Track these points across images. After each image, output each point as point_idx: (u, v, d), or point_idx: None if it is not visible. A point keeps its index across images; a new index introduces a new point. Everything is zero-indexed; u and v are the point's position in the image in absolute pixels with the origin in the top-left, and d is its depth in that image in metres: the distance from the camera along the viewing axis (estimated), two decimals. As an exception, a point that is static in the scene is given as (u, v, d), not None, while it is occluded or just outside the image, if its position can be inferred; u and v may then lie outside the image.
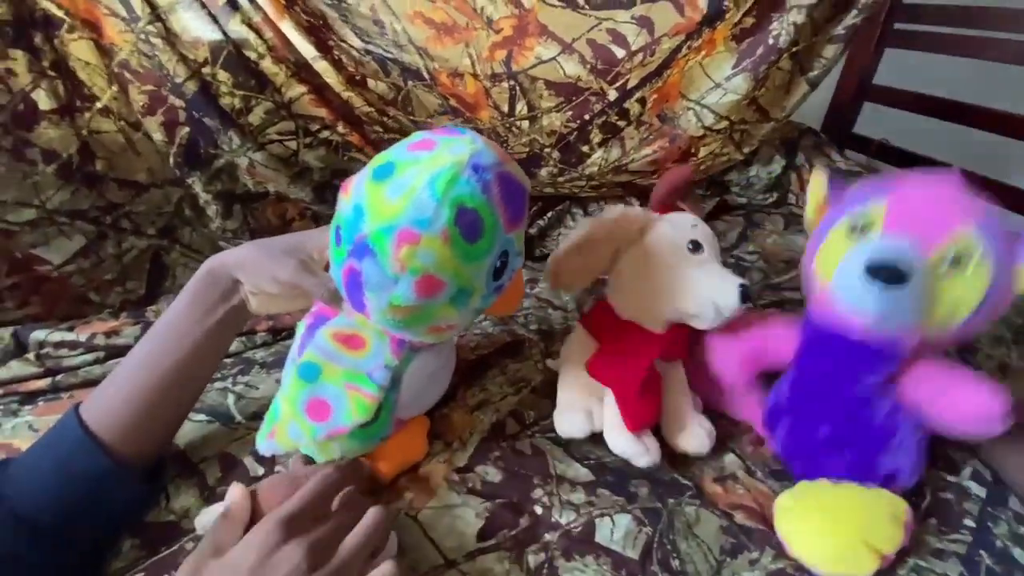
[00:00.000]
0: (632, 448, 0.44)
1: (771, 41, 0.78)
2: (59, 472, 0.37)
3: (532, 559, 0.40)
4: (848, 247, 0.39)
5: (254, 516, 0.33)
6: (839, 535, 0.40)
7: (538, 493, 0.45)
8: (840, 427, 0.44)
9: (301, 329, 0.43)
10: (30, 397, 0.54)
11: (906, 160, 1.06)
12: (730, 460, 0.49)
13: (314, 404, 0.38)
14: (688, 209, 0.90)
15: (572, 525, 0.42)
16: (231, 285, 0.43)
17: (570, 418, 0.46)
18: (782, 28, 0.78)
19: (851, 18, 0.80)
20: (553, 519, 0.42)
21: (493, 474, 0.46)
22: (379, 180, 0.34)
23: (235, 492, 0.34)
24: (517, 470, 0.47)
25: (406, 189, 0.33)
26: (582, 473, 0.46)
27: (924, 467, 0.44)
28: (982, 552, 0.41)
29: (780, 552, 0.41)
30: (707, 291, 0.46)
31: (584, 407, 0.46)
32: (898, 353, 0.40)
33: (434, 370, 0.47)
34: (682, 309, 0.47)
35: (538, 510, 0.43)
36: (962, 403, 0.40)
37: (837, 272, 0.39)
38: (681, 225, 0.50)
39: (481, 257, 0.36)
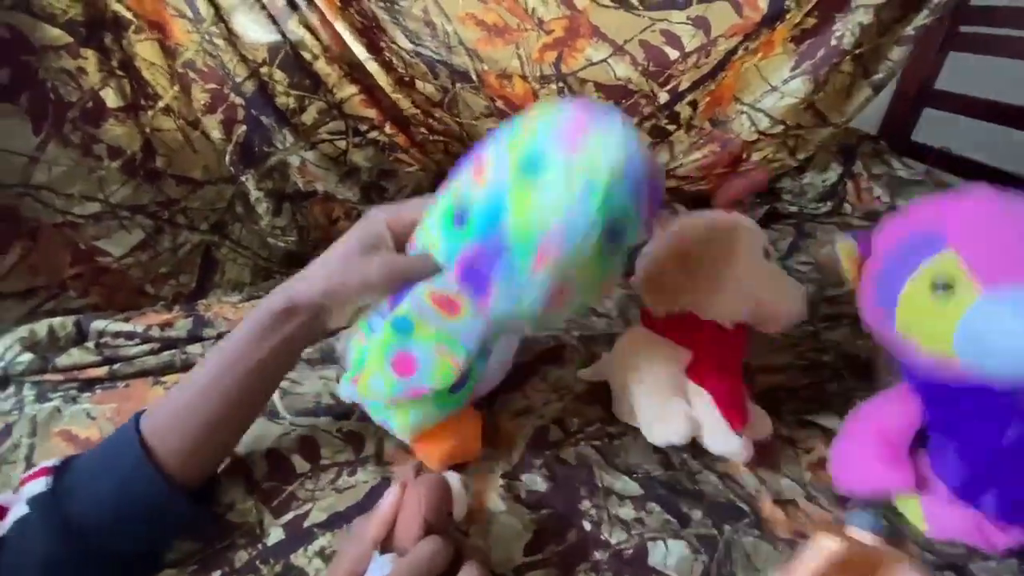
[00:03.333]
0: (738, 447, 0.44)
1: (833, 42, 0.74)
2: (115, 490, 0.37)
3: (582, 580, 0.38)
4: (945, 309, 0.35)
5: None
6: None
7: (585, 505, 0.43)
8: None
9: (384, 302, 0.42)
10: (88, 384, 0.56)
11: (968, 169, 1.00)
12: (787, 484, 0.46)
13: (401, 358, 0.39)
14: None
15: (623, 546, 0.40)
16: (312, 315, 0.41)
17: (670, 426, 0.44)
18: (846, 29, 0.74)
19: (922, 18, 0.76)
20: (603, 536, 0.41)
21: (539, 483, 0.45)
22: (527, 175, 0.31)
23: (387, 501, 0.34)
24: (563, 480, 0.45)
25: (559, 195, 0.31)
26: (631, 487, 0.45)
27: None
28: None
29: None
30: (784, 294, 0.46)
31: (680, 412, 0.45)
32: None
33: (515, 346, 0.47)
34: (762, 312, 0.46)
35: (586, 525, 0.42)
36: None
37: (961, 340, 0.35)
38: (756, 229, 0.49)
39: (614, 267, 0.35)
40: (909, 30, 0.77)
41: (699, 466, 0.47)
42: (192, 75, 0.66)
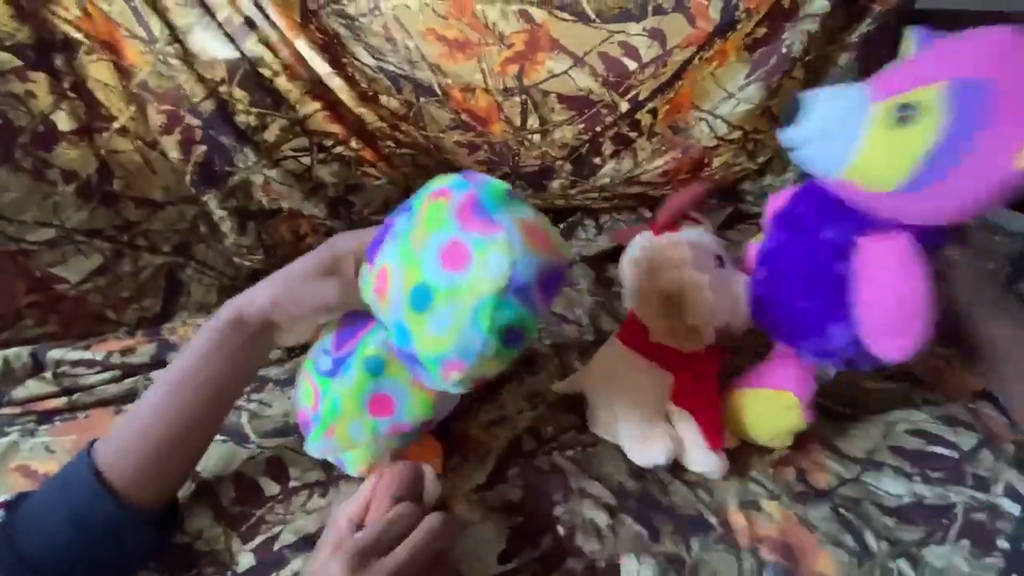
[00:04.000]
0: (717, 465, 0.45)
1: (784, 50, 0.77)
2: (70, 519, 0.36)
3: (557, 589, 0.39)
4: None
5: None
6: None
7: (559, 510, 0.44)
8: (803, 276, 0.44)
9: (331, 330, 0.42)
10: (46, 416, 0.54)
11: None
12: (753, 487, 0.47)
13: (377, 399, 0.39)
14: (700, 219, 0.90)
15: (596, 556, 0.41)
16: (260, 328, 0.40)
17: (655, 449, 0.45)
18: (795, 37, 0.77)
19: (865, 26, 0.80)
20: (576, 543, 0.41)
21: (512, 492, 0.45)
22: (419, 311, 0.33)
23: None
24: (536, 487, 0.46)
25: (450, 326, 0.32)
26: (604, 493, 0.45)
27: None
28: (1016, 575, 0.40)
29: None
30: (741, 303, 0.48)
31: (664, 435, 0.46)
32: (855, 212, 0.40)
33: None
34: (734, 323, 0.48)
35: (560, 531, 0.42)
36: (878, 305, 0.38)
37: None
38: (704, 243, 0.50)
39: (523, 347, 0.36)
40: (854, 37, 0.80)
41: (669, 476, 0.48)
42: (147, 95, 0.65)
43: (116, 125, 0.65)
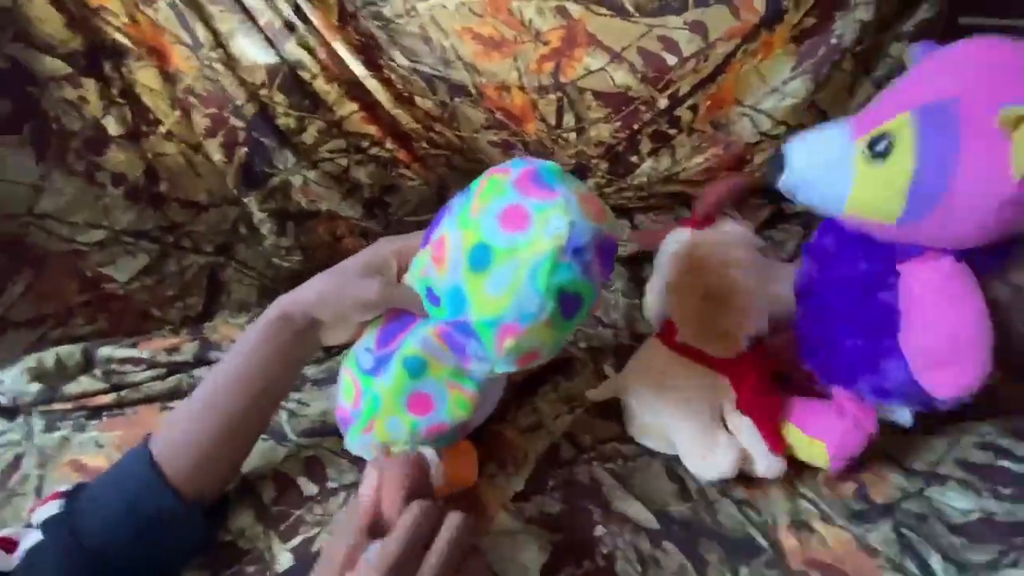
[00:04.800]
0: (780, 468, 0.44)
1: (834, 41, 0.74)
2: (128, 509, 0.37)
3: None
4: None
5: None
6: None
7: (600, 531, 0.42)
8: (846, 311, 0.42)
9: (374, 329, 0.43)
10: (95, 412, 0.56)
11: None
12: (804, 506, 0.45)
13: (416, 398, 0.40)
14: (739, 218, 0.87)
15: None
16: (306, 324, 0.42)
17: (721, 460, 0.44)
18: (846, 27, 0.73)
19: (922, 13, 0.75)
20: (618, 570, 0.40)
21: (551, 505, 0.44)
22: (478, 270, 0.34)
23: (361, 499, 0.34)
24: (576, 502, 0.44)
25: (508, 284, 0.33)
26: (646, 517, 0.43)
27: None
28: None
29: None
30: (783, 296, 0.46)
31: (728, 445, 0.44)
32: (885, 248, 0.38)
33: (503, 385, 0.48)
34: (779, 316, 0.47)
35: (600, 560, 0.40)
36: (924, 336, 0.36)
37: None
38: (745, 237, 0.48)
39: (578, 322, 0.37)
40: (909, 26, 0.76)
41: (716, 494, 0.46)
42: (192, 100, 0.66)
43: (162, 129, 0.67)
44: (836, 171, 0.36)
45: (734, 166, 0.84)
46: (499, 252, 0.34)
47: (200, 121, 0.67)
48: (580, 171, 0.83)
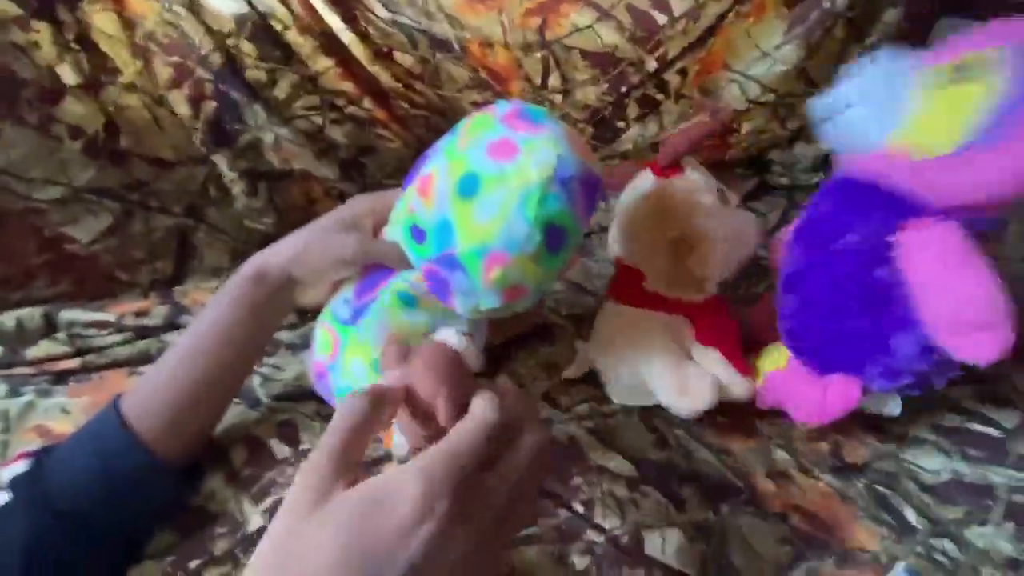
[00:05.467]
0: (750, 390, 0.45)
1: (827, 5, 0.72)
2: (99, 468, 0.36)
3: (578, 560, 0.37)
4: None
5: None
6: None
7: (577, 481, 0.42)
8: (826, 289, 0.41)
9: (351, 284, 0.42)
10: (61, 377, 0.54)
11: None
12: (781, 456, 0.46)
13: None
14: (726, 190, 0.86)
15: (618, 532, 0.39)
16: (282, 283, 0.41)
17: (699, 391, 0.44)
18: (839, -11, 0.71)
19: (915, -22, 0.74)
20: (596, 519, 0.40)
21: (529, 464, 0.44)
22: (466, 197, 0.34)
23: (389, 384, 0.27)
24: (554, 459, 0.44)
25: (496, 211, 0.34)
26: (624, 466, 0.44)
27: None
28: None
29: (841, 561, 0.38)
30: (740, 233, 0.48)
31: (702, 378, 0.44)
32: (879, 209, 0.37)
33: (482, 328, 0.47)
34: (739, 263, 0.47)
35: (579, 506, 0.40)
36: (946, 303, 0.34)
37: None
38: (708, 184, 0.48)
39: (564, 259, 0.38)
40: (903, -10, 0.74)
41: (695, 444, 0.46)
42: (153, 47, 0.62)
43: (123, 79, 0.63)
44: (894, 89, 0.35)
45: (721, 134, 0.82)
46: (488, 180, 0.34)
47: (163, 71, 0.63)
48: (565, 136, 0.81)
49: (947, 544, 0.39)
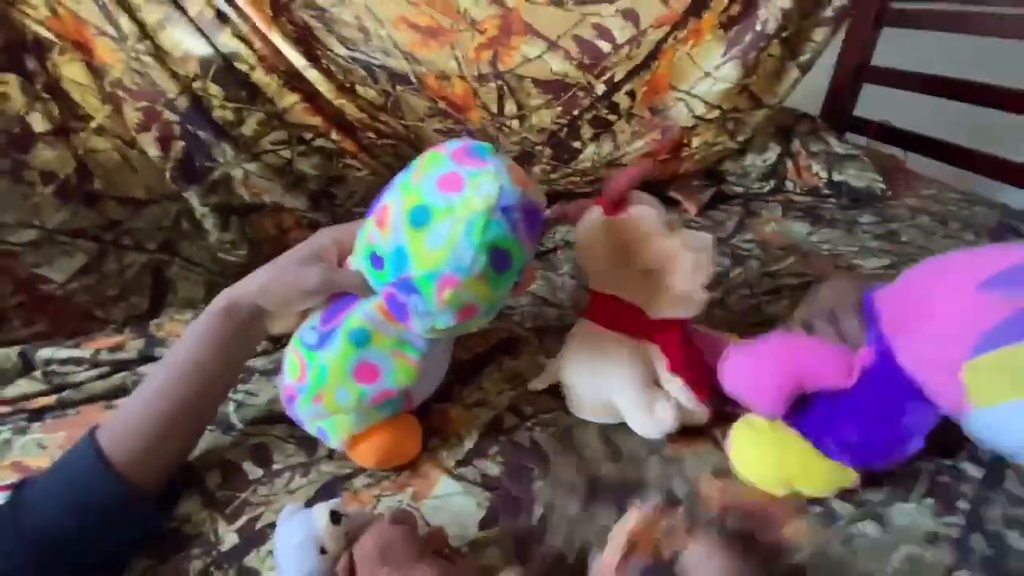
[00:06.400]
0: (706, 415, 0.49)
1: (759, 27, 0.78)
2: (75, 498, 0.37)
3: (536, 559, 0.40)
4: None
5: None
6: (768, 476, 0.44)
7: (538, 485, 0.45)
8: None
9: (319, 311, 0.45)
10: (37, 414, 0.55)
11: (907, 141, 1.05)
12: (724, 458, 0.48)
13: (363, 367, 0.43)
14: (683, 200, 0.89)
15: (565, 551, 0.41)
16: (251, 316, 0.44)
17: (663, 416, 0.47)
18: (769, 14, 0.77)
19: (839, 0, 0.80)
20: (555, 522, 0.42)
21: (492, 468, 0.47)
22: (417, 227, 0.38)
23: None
24: (516, 462, 0.47)
25: (445, 240, 0.37)
26: (579, 482, 0.46)
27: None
28: (976, 535, 0.41)
29: (769, 559, 0.40)
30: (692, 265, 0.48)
31: (666, 405, 0.48)
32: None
33: (445, 351, 0.51)
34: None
35: (538, 510, 0.43)
36: None
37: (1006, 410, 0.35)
38: (658, 212, 0.50)
39: (510, 280, 0.41)
40: (828, 11, 0.80)
41: (645, 453, 0.49)
42: (122, 94, 0.65)
43: (93, 124, 0.66)
44: None
45: (673, 150, 0.87)
46: (437, 211, 0.37)
47: (132, 115, 0.66)
48: (525, 158, 0.85)
49: (869, 526, 0.42)
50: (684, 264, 0.47)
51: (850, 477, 0.43)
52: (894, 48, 1.05)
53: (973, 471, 0.46)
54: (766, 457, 0.45)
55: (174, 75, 0.65)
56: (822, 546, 0.41)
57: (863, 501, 0.44)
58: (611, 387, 0.49)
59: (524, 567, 0.39)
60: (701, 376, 0.49)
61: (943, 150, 1.01)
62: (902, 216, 0.93)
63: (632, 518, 0.36)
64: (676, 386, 0.49)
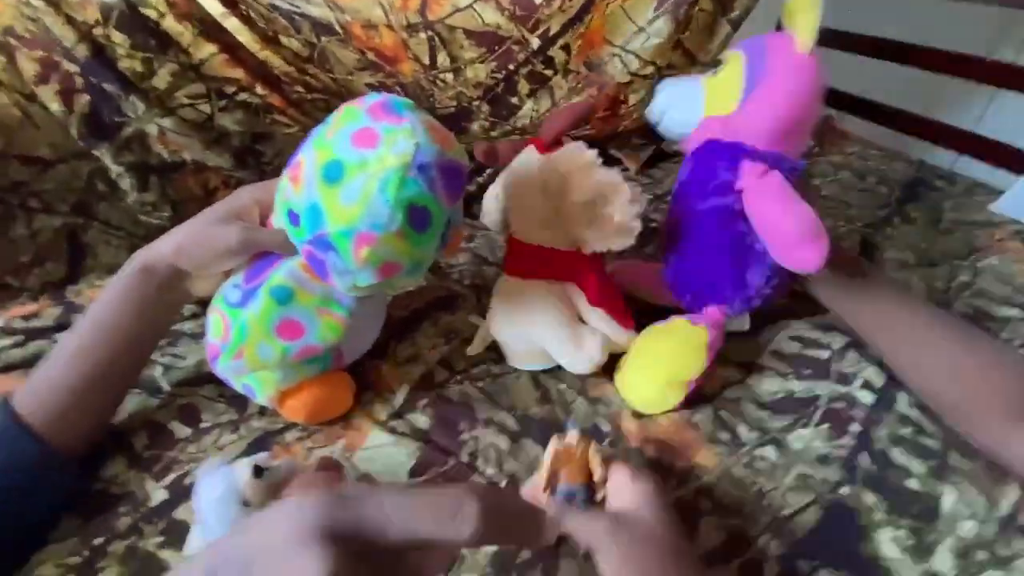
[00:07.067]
0: (632, 339, 0.51)
1: (690, -19, 0.78)
2: None
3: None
4: None
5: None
6: (648, 378, 0.49)
7: (465, 436, 0.47)
8: (698, 241, 0.52)
9: (241, 272, 0.44)
10: (-51, 385, 0.53)
11: (842, 101, 1.09)
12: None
13: (285, 324, 0.42)
14: (624, 158, 0.90)
15: (496, 479, 0.44)
16: (169, 276, 0.42)
17: (590, 349, 0.50)
18: (700, -33, 0.77)
19: (768, -45, 0.80)
20: (479, 466, 0.45)
21: (422, 421, 0.48)
22: (331, 183, 0.37)
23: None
24: (445, 416, 0.49)
25: (359, 195, 0.36)
26: (508, 421, 0.49)
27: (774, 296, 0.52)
28: (863, 454, 0.45)
29: (681, 482, 0.44)
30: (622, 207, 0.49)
31: (591, 337, 0.50)
32: (726, 151, 0.48)
33: (377, 308, 0.51)
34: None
35: (464, 456, 0.45)
36: (781, 226, 0.46)
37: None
38: (585, 154, 0.50)
39: (431, 238, 0.40)
40: (758, -34, 0.81)
41: (573, 395, 0.52)
42: (14, 42, 0.59)
43: (-15, 77, 0.60)
44: (693, 93, 0.50)
45: (610, 106, 0.88)
46: (350, 167, 0.36)
47: (28, 66, 0.60)
48: (463, 115, 0.84)
49: (770, 450, 0.46)
50: (623, 195, 0.48)
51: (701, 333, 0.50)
52: (834, 9, 1.07)
53: (865, 397, 0.50)
54: (642, 376, 0.50)
55: (70, 21, 0.59)
56: (727, 468, 0.45)
57: (766, 429, 0.48)
58: (538, 332, 0.51)
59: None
60: (620, 303, 0.53)
61: (870, 109, 1.05)
62: (825, 172, 0.97)
63: (555, 445, 0.38)
64: (599, 317, 0.51)
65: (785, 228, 0.45)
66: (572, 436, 0.38)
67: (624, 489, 0.36)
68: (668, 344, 0.50)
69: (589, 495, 0.37)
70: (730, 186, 0.48)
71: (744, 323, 0.56)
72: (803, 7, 0.44)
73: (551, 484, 0.37)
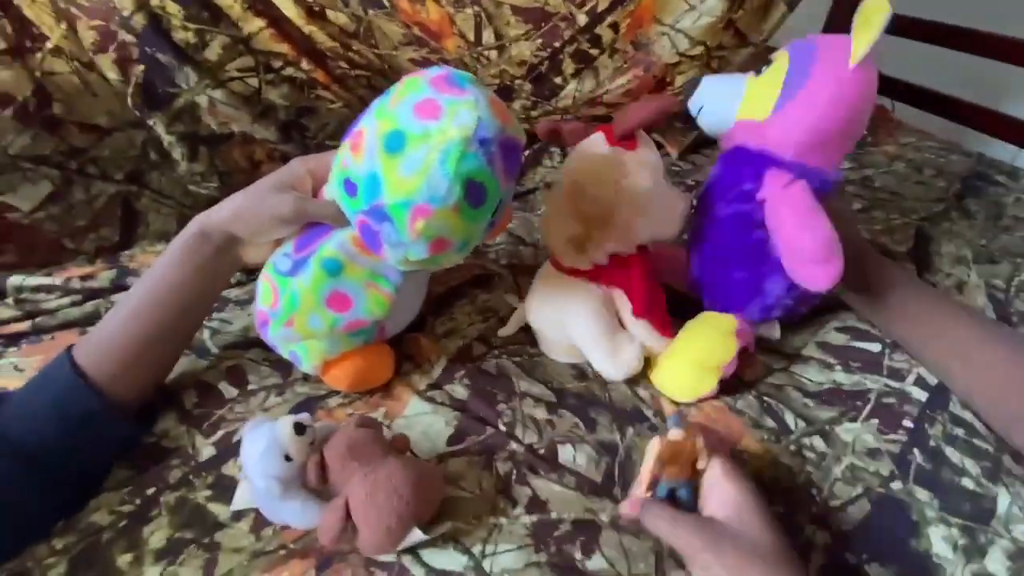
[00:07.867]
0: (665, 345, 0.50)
1: (747, -43, 0.75)
2: (53, 411, 0.39)
3: (501, 466, 0.42)
4: None
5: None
6: (678, 363, 0.49)
7: (502, 407, 0.47)
8: (717, 246, 0.51)
9: (291, 241, 0.45)
10: (12, 340, 0.56)
11: (896, 89, 1.04)
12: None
13: (336, 296, 0.43)
14: (665, 142, 0.88)
15: (536, 445, 0.44)
16: (224, 242, 0.44)
17: (627, 357, 0.49)
18: (759, -58, 0.74)
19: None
20: (517, 434, 0.45)
21: (460, 391, 0.49)
22: (392, 153, 0.37)
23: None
24: (482, 387, 0.49)
25: (420, 167, 0.36)
26: (546, 393, 0.49)
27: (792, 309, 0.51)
28: (915, 450, 0.44)
29: None
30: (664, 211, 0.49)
31: (630, 346, 0.49)
32: (753, 160, 0.47)
33: (420, 285, 0.51)
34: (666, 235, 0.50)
35: (502, 426, 0.45)
36: (796, 242, 0.44)
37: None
38: (655, 162, 0.49)
39: (484, 216, 0.40)
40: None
41: None
42: (75, 11, 0.61)
43: (49, 45, 0.62)
44: (733, 92, 0.48)
45: (655, 88, 0.86)
46: (412, 137, 0.36)
47: (87, 34, 0.62)
48: (505, 92, 0.83)
49: (817, 440, 0.45)
50: (632, 227, 0.48)
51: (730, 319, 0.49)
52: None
53: (918, 394, 0.48)
54: (672, 362, 0.50)
55: (128, -11, 0.61)
56: (775, 456, 0.44)
57: (812, 419, 0.47)
58: (576, 333, 0.50)
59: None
60: (663, 311, 0.51)
61: (927, 99, 1.00)
62: (878, 163, 0.93)
63: (657, 446, 0.38)
64: (641, 327, 0.50)
65: (799, 243, 0.44)
66: (675, 434, 0.38)
67: (717, 486, 0.35)
68: (697, 330, 0.50)
69: (692, 492, 0.37)
70: (752, 195, 0.47)
71: (774, 332, 0.53)
72: (870, 22, 0.42)
73: (653, 484, 0.37)
